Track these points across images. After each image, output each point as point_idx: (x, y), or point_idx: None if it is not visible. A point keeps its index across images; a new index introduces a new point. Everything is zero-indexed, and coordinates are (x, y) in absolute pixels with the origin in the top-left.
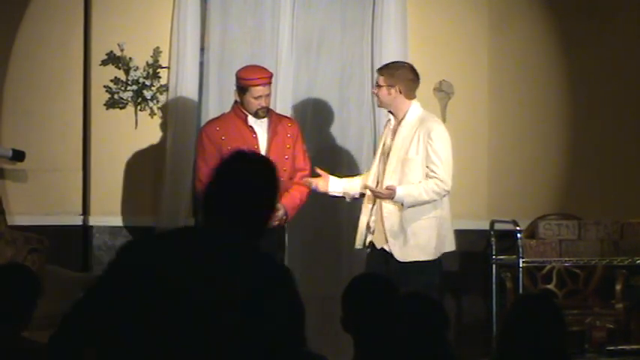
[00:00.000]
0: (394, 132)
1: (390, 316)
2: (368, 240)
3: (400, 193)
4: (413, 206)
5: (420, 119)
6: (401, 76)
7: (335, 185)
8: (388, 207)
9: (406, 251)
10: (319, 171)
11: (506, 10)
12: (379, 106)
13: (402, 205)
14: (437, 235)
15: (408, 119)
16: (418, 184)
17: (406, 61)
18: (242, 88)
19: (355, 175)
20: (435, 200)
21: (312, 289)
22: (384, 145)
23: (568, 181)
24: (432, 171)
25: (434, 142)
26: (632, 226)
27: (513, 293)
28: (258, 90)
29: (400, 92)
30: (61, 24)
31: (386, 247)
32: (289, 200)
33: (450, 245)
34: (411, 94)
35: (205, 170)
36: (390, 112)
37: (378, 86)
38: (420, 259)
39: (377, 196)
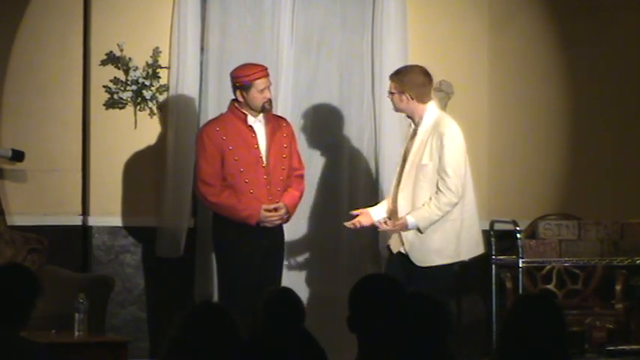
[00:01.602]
0: (412, 137)
1: (397, 317)
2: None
3: (412, 221)
4: (432, 224)
5: (434, 123)
6: (410, 82)
7: (378, 214)
8: (403, 210)
9: (423, 255)
10: (356, 212)
11: (506, 10)
12: (395, 111)
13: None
14: (456, 239)
15: (425, 124)
16: (429, 202)
17: (406, 61)
18: (244, 86)
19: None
20: (448, 212)
21: (312, 289)
22: (405, 150)
23: (568, 181)
24: (443, 180)
25: (446, 148)
26: (632, 226)
27: (513, 293)
28: (262, 82)
29: (412, 98)
30: (60, 24)
31: (402, 250)
32: (290, 199)
33: (476, 249)
34: (424, 98)
35: (209, 170)
36: (407, 116)
37: (391, 93)
38: (437, 264)
39: (391, 231)
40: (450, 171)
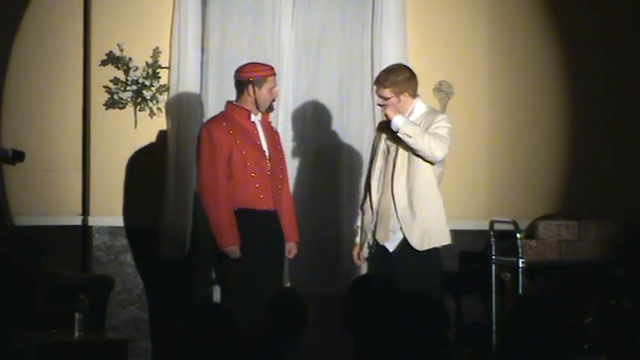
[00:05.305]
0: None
1: (392, 316)
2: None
3: (399, 118)
4: (408, 136)
5: (426, 112)
6: (404, 79)
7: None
8: (401, 199)
9: (427, 239)
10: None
11: (506, 10)
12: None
13: (398, 129)
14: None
15: (416, 115)
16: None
17: (406, 61)
18: (257, 81)
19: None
20: (424, 150)
21: (312, 289)
22: (387, 143)
23: (568, 181)
24: (436, 132)
25: (438, 122)
26: (632, 225)
27: (513, 293)
28: (273, 80)
29: (409, 95)
30: (60, 24)
31: (388, 246)
32: (292, 230)
33: (435, 242)
34: (415, 92)
35: (219, 161)
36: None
37: (386, 99)
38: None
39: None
40: (443, 131)
